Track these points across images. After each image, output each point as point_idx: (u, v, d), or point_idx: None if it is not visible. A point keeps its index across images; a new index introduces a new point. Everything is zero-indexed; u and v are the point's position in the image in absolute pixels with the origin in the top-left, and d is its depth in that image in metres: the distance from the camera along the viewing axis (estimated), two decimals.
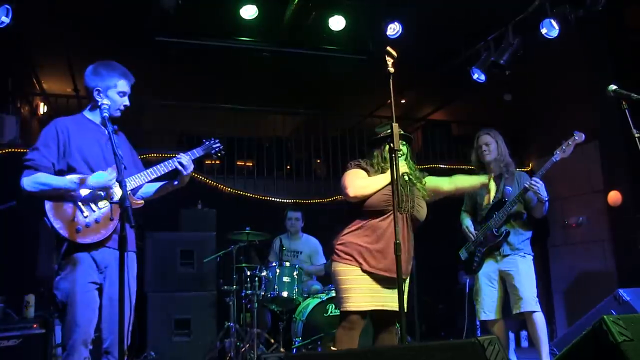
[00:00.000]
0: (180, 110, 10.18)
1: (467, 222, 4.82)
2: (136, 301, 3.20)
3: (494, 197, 4.60)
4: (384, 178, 3.38)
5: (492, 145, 4.63)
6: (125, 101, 3.27)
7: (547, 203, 4.35)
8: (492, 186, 4.62)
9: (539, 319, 4.36)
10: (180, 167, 3.27)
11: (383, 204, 3.34)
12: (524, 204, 4.52)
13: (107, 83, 3.20)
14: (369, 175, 3.47)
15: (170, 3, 6.20)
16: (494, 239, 4.50)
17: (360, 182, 3.40)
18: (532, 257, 4.54)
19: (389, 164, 3.34)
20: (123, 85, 3.24)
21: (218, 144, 3.59)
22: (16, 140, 7.99)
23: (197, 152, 3.46)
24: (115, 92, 3.21)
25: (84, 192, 3.05)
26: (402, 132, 3.43)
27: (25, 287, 5.63)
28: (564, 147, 4.26)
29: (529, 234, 4.58)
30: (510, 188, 4.54)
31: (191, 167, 3.32)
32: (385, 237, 3.32)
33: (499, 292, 4.53)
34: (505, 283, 4.52)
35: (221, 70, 9.32)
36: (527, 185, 4.30)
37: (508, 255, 4.49)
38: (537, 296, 4.43)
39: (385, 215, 3.36)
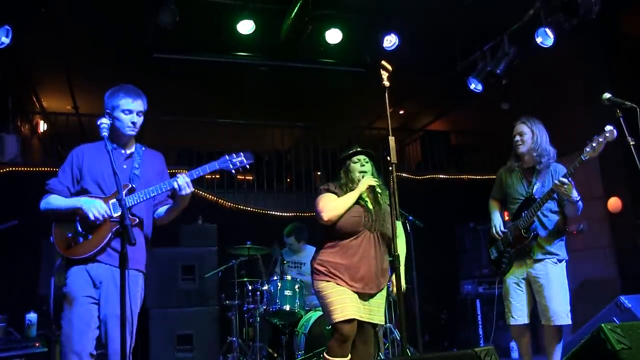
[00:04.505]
0: (180, 126, 10.22)
1: (497, 219, 4.44)
2: (138, 317, 3.20)
3: (525, 192, 4.26)
4: (352, 196, 3.63)
5: (526, 136, 4.24)
6: (134, 118, 3.29)
7: (579, 203, 4.00)
8: (523, 179, 4.31)
9: (562, 335, 4.10)
10: (176, 187, 3.15)
11: (353, 225, 3.60)
12: (558, 201, 4.16)
13: (113, 103, 3.28)
14: (338, 197, 3.68)
15: (169, 20, 6.25)
16: (523, 240, 4.15)
17: (330, 206, 3.61)
18: (566, 262, 4.18)
19: (355, 184, 3.71)
20: (126, 103, 3.27)
21: (240, 157, 3.30)
22: (17, 159, 8.03)
23: (210, 167, 3.28)
24: (119, 110, 3.27)
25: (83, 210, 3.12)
26: (358, 149, 3.81)
27: (27, 306, 5.63)
28: (594, 145, 3.78)
29: (562, 235, 4.20)
30: (541, 184, 4.20)
31: (187, 189, 3.16)
32: (357, 255, 3.57)
33: (528, 295, 4.20)
34: (533, 288, 4.18)
35: (220, 85, 9.38)
36: (553, 186, 3.95)
37: (540, 260, 4.13)
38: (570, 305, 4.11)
39: (356, 236, 3.61)
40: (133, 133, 3.33)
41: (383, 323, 3.74)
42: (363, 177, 3.73)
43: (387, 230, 3.63)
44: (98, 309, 3.11)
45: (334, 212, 3.57)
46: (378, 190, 3.70)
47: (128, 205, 3.15)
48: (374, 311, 3.61)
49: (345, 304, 3.46)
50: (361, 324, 3.53)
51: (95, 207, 3.06)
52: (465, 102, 9.76)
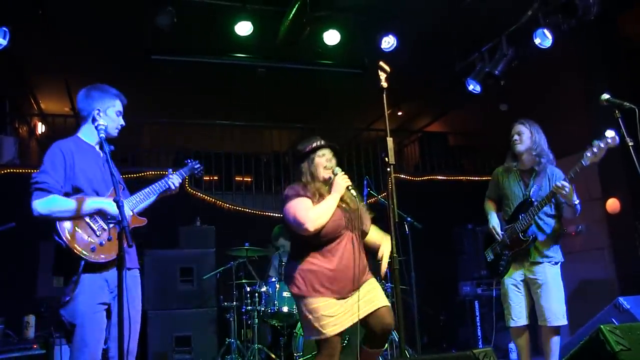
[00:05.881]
0: (178, 128, 10.22)
1: (494, 219, 4.42)
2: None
3: (522, 194, 4.25)
4: (334, 199, 3.29)
5: (524, 135, 4.23)
6: (121, 121, 3.36)
7: (578, 206, 4.01)
8: (520, 180, 4.31)
9: (559, 335, 4.12)
10: (173, 187, 3.43)
11: (335, 229, 3.28)
12: (555, 205, 4.18)
13: (107, 104, 3.28)
14: (312, 201, 3.31)
15: (166, 21, 6.25)
16: (521, 243, 4.15)
17: (313, 214, 3.21)
18: (561, 264, 4.19)
19: (319, 183, 3.38)
20: (119, 105, 3.35)
21: (198, 165, 3.79)
22: (14, 161, 8.03)
23: (185, 172, 3.66)
24: (113, 111, 3.30)
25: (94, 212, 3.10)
26: (322, 142, 3.45)
27: (25, 308, 5.62)
28: (595, 150, 3.78)
29: (559, 238, 4.23)
30: (538, 187, 4.19)
31: (177, 189, 3.49)
32: (342, 260, 3.28)
33: (527, 297, 4.22)
34: (531, 290, 4.20)
35: (218, 87, 9.37)
36: (553, 189, 3.93)
37: (537, 263, 4.14)
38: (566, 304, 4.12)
39: (338, 239, 3.31)
40: (117, 134, 3.35)
41: (386, 303, 3.32)
42: (335, 173, 3.37)
43: (365, 228, 3.44)
44: (107, 313, 3.11)
45: (318, 222, 3.20)
46: (351, 190, 3.36)
47: (136, 207, 3.25)
48: (365, 302, 3.30)
49: (333, 318, 3.21)
50: (363, 320, 3.29)
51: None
52: (464, 104, 9.77)
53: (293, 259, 3.42)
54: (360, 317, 3.27)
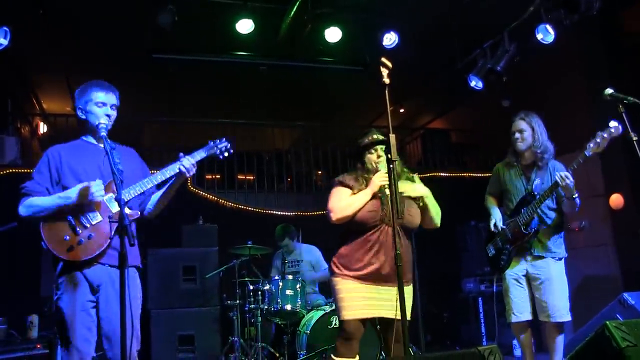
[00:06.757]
0: (180, 126, 10.21)
1: (496, 214, 4.41)
2: (140, 318, 3.15)
3: (524, 189, 4.24)
4: (365, 194, 3.45)
5: (526, 133, 4.21)
6: (107, 111, 3.19)
7: (577, 200, 3.97)
8: (522, 175, 4.30)
9: (564, 331, 4.12)
10: (184, 170, 3.17)
11: (369, 220, 3.42)
12: (556, 198, 4.16)
13: (85, 98, 3.20)
14: (352, 191, 3.52)
15: (167, 20, 6.24)
16: (523, 236, 4.14)
17: (341, 204, 3.47)
18: (565, 260, 4.19)
19: (371, 174, 3.52)
20: (101, 96, 3.19)
21: (224, 144, 3.45)
22: (17, 161, 8.02)
23: (200, 154, 3.32)
24: (93, 104, 3.18)
25: (74, 207, 3.00)
26: (381, 137, 3.59)
27: (28, 308, 5.61)
28: (598, 140, 3.77)
29: (562, 233, 4.21)
30: (540, 180, 4.18)
31: (194, 169, 3.20)
32: (376, 249, 3.40)
33: (529, 291, 4.19)
34: (532, 286, 4.18)
35: (219, 85, 9.36)
36: (557, 179, 3.86)
37: (540, 257, 4.13)
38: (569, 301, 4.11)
39: (375, 229, 3.44)
40: (107, 126, 3.12)
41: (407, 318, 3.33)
42: (377, 170, 3.51)
43: (407, 223, 3.47)
44: (96, 312, 3.05)
45: (343, 213, 3.43)
46: (386, 189, 3.41)
47: (131, 197, 3.11)
48: (394, 305, 3.25)
49: (354, 302, 3.35)
50: (388, 321, 3.39)
51: (93, 187, 2.97)
52: (466, 100, 9.74)
53: (339, 243, 3.61)
54: (387, 315, 3.37)
